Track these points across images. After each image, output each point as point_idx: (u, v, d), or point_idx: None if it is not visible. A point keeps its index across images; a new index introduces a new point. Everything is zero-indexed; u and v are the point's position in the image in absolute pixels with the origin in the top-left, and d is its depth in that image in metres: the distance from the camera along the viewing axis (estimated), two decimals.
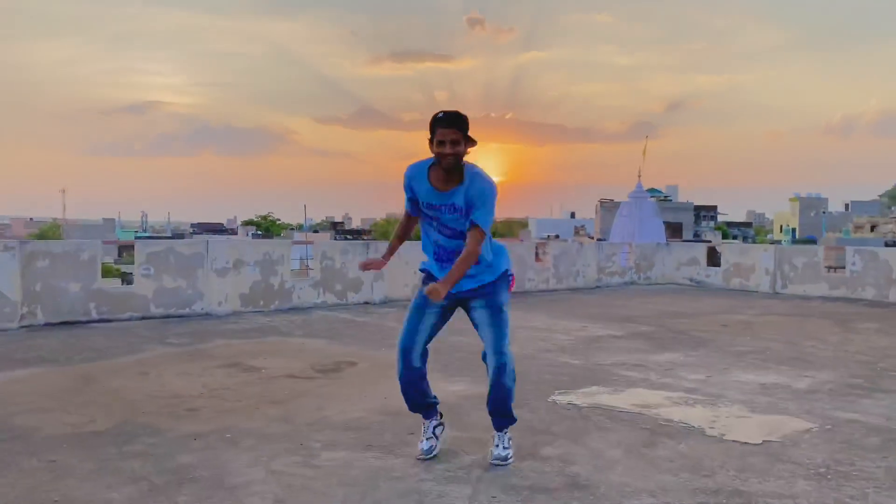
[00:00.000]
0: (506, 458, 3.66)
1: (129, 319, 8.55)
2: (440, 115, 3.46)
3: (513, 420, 3.78)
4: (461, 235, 3.55)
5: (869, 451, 3.97)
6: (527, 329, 8.37)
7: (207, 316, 9.01)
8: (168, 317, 8.81)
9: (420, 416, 3.86)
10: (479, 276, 3.64)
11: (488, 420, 4.38)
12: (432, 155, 3.50)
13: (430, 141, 3.46)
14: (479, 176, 3.52)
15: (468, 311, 3.72)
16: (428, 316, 3.67)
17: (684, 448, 3.97)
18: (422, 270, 3.81)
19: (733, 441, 4.11)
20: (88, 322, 8.28)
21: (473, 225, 3.48)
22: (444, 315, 3.73)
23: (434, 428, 3.81)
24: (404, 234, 3.91)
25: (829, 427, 4.43)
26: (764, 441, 4.12)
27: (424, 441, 3.77)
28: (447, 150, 3.42)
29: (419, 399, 3.78)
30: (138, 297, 8.74)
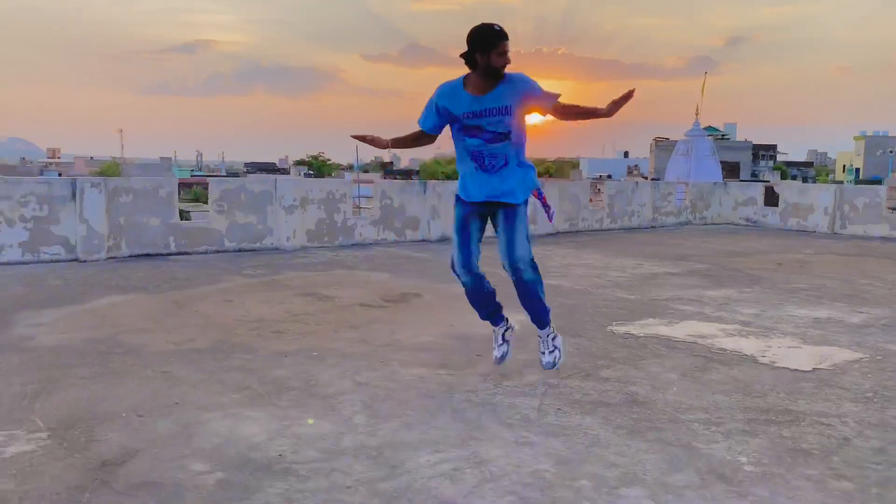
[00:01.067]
0: (554, 363, 4.03)
1: (205, 252, 9.10)
2: (497, 27, 3.63)
3: (547, 313, 4.05)
4: (505, 137, 3.72)
5: None
6: (582, 266, 8.62)
7: (276, 250, 9.50)
8: (240, 251, 9.33)
9: (489, 324, 4.19)
10: (515, 192, 3.82)
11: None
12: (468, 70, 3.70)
13: (481, 53, 3.59)
14: (512, 75, 3.71)
15: (494, 223, 3.93)
16: (472, 229, 3.91)
17: (737, 373, 4.24)
18: (457, 197, 3.99)
19: (784, 368, 4.35)
20: (168, 254, 8.85)
21: (554, 100, 3.74)
22: (483, 223, 3.96)
23: (503, 332, 4.15)
24: (412, 143, 4.02)
25: (879, 357, 4.62)
26: (814, 368, 4.35)
27: (497, 348, 4.14)
28: (504, 61, 3.62)
29: (489, 304, 4.08)
30: (213, 232, 9.26)
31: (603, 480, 2.77)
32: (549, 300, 4.04)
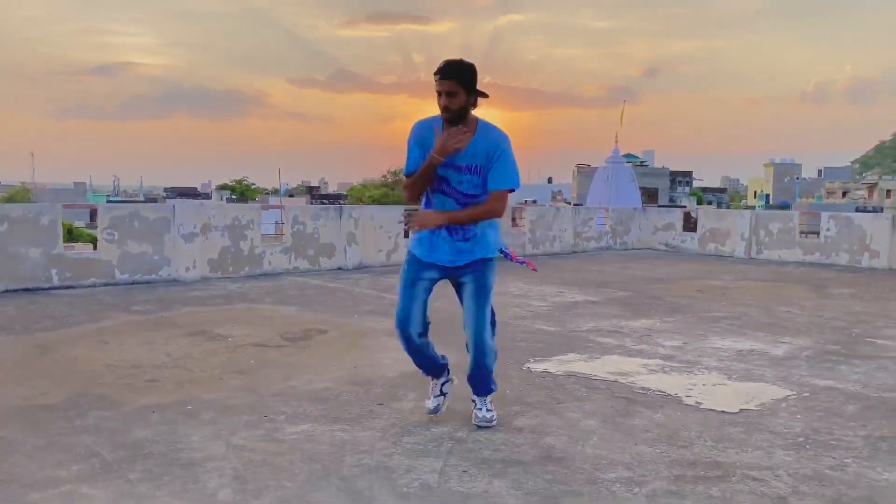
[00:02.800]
0: (490, 420, 3.64)
1: (93, 286, 8.28)
2: (442, 64, 3.30)
3: (493, 390, 3.75)
4: (470, 202, 3.44)
5: (847, 419, 3.90)
6: (503, 295, 8.24)
7: (174, 282, 8.75)
8: (134, 283, 8.54)
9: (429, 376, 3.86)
10: (475, 250, 3.54)
11: (460, 389, 4.26)
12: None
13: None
14: (490, 127, 3.40)
15: (456, 286, 3.63)
16: (419, 290, 3.58)
17: (661, 418, 3.87)
18: (411, 251, 3.67)
19: (710, 410, 4.02)
20: (50, 289, 8.00)
21: (501, 191, 3.41)
22: (432, 288, 3.64)
23: (442, 385, 3.81)
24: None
25: (806, 394, 4.36)
26: (741, 409, 4.03)
27: (432, 399, 3.80)
28: (441, 101, 3.29)
29: (430, 365, 3.76)
30: (102, 263, 8.45)
31: None
32: (463, 333, 3.62)
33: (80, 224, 37.25)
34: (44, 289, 7.97)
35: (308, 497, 2.81)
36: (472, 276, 3.55)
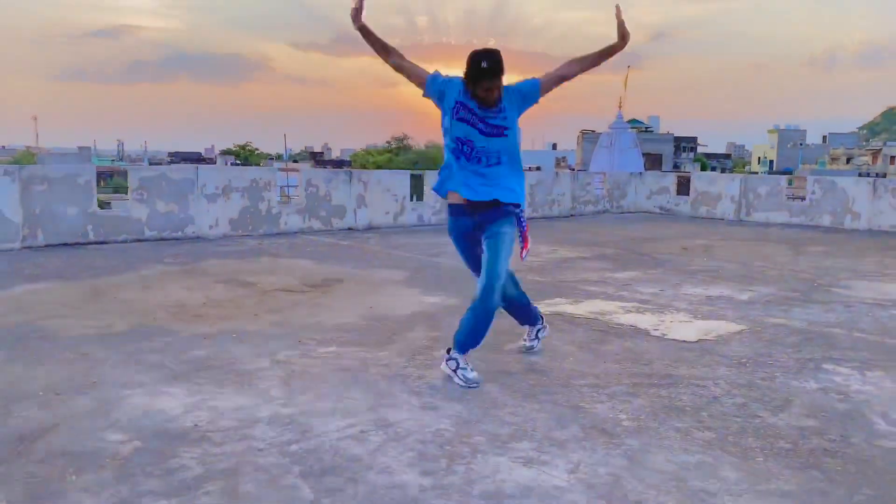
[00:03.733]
0: (478, 381, 3.73)
1: (125, 241, 9.02)
2: (484, 64, 3.48)
3: (478, 343, 3.88)
4: (503, 133, 3.66)
5: (786, 346, 4.64)
6: None
7: (199, 239, 9.49)
8: (161, 240, 9.28)
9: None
10: (515, 191, 3.77)
11: (457, 321, 5.02)
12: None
13: (471, 80, 3.54)
14: (507, 88, 3.69)
15: (480, 238, 3.82)
16: (470, 247, 3.92)
17: (629, 345, 4.62)
18: (444, 198, 3.87)
19: (672, 339, 4.76)
20: (86, 244, 8.74)
21: (543, 78, 3.76)
22: (477, 238, 3.85)
23: (538, 331, 4.38)
24: (382, 48, 3.85)
25: (758, 329, 5.10)
26: (699, 339, 4.77)
27: (528, 340, 4.39)
28: (493, 95, 3.58)
29: (523, 315, 4.32)
30: (133, 221, 9.18)
31: (496, 437, 3.06)
32: (465, 284, 4.24)
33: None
34: (81, 243, 8.71)
35: (342, 393, 3.57)
36: (492, 225, 3.75)
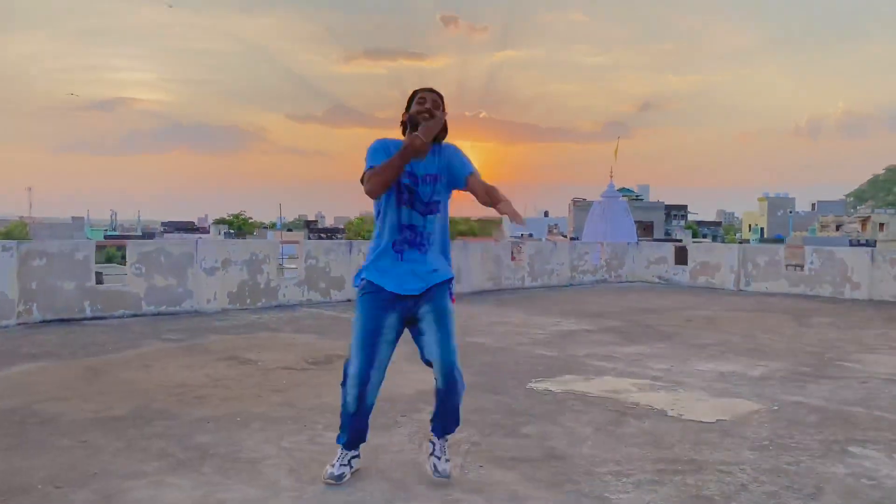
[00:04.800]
0: (448, 474, 3.45)
1: (122, 317, 8.88)
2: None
3: (455, 429, 3.60)
4: (435, 210, 3.41)
5: (807, 426, 4.51)
6: (504, 324, 8.87)
7: (197, 313, 9.36)
8: (159, 314, 9.15)
9: (340, 447, 3.54)
10: (442, 270, 3.47)
11: (472, 403, 4.88)
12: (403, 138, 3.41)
13: (407, 111, 3.42)
14: (439, 146, 3.44)
15: (415, 322, 3.42)
16: (384, 343, 3.39)
17: (647, 426, 4.48)
18: (363, 280, 3.45)
19: (690, 420, 4.63)
20: (83, 319, 8.60)
21: (471, 175, 3.37)
22: (396, 338, 3.45)
23: (352, 459, 3.53)
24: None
25: (775, 408, 4.97)
26: (717, 420, 4.64)
27: (338, 466, 3.46)
28: (427, 105, 3.33)
29: (360, 433, 3.53)
30: (131, 295, 9.07)
31: None
32: (472, 358, 4.15)
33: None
34: (77, 319, 8.57)
35: (355, 484, 3.41)
36: (431, 303, 3.39)
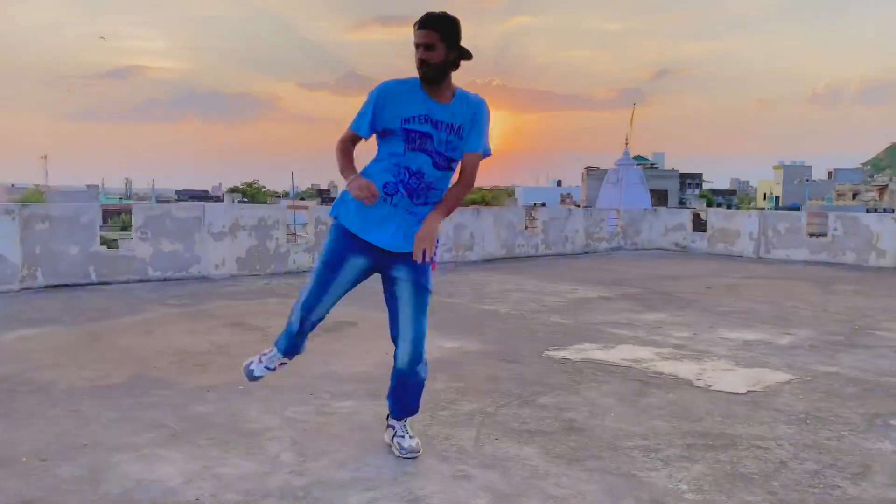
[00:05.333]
0: (417, 449, 3.21)
1: (127, 282, 8.68)
2: (422, 15, 2.98)
3: (417, 410, 3.34)
4: (447, 165, 3.04)
5: (845, 399, 4.23)
6: (518, 292, 8.59)
7: (205, 279, 9.14)
8: (166, 280, 8.94)
9: (275, 351, 3.51)
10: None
11: (486, 372, 4.63)
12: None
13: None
14: (467, 94, 3.06)
15: (390, 280, 3.13)
16: (341, 281, 3.15)
17: (673, 397, 4.21)
18: (339, 226, 3.13)
19: (719, 391, 4.35)
20: (87, 284, 8.40)
21: (474, 155, 3.04)
22: (359, 280, 3.18)
23: (281, 365, 3.49)
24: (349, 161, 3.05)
25: (808, 379, 4.68)
26: (748, 391, 4.36)
27: (262, 368, 3.47)
28: (418, 54, 2.92)
29: (299, 348, 3.46)
30: (136, 261, 8.85)
31: None
32: (485, 325, 3.90)
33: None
34: (81, 284, 8.37)
35: (362, 459, 3.17)
36: (413, 273, 3.07)
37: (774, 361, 5.15)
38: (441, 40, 2.92)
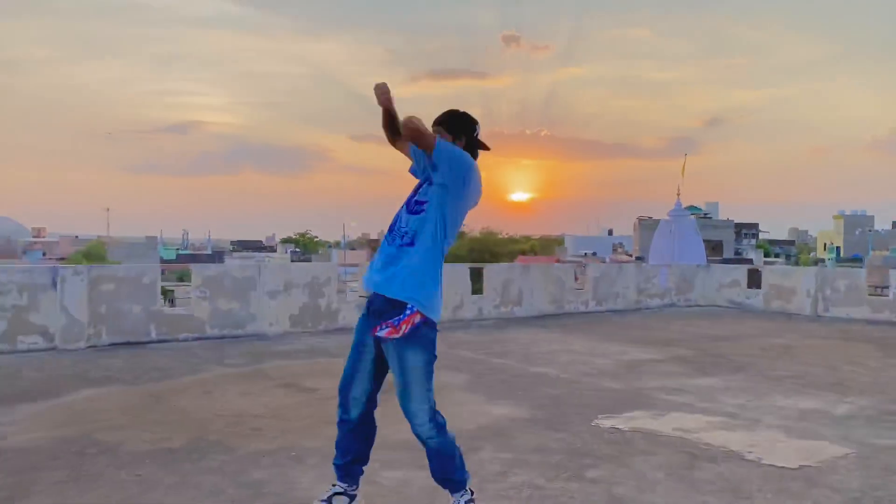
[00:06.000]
0: None
1: (186, 340, 8.99)
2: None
3: (462, 483, 3.34)
4: (419, 210, 3.21)
5: None
6: (567, 353, 8.59)
7: (259, 336, 9.41)
8: (223, 337, 9.23)
9: (335, 476, 3.49)
10: (392, 282, 3.13)
11: (534, 441, 4.66)
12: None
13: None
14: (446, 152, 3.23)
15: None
16: (366, 356, 3.30)
17: (724, 471, 4.17)
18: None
19: (771, 465, 4.29)
20: (149, 342, 8.73)
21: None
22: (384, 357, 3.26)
23: (334, 496, 3.44)
24: (392, 129, 3.38)
25: (865, 454, 4.57)
26: (801, 466, 4.29)
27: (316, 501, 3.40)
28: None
29: (350, 454, 3.43)
30: (195, 319, 9.18)
31: None
32: (535, 390, 3.89)
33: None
34: (142, 342, 8.71)
35: None
36: (392, 340, 3.13)
37: (829, 433, 5.04)
38: (447, 132, 3.31)
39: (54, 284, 8.24)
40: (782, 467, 4.26)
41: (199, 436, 4.76)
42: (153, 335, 8.84)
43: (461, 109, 3.43)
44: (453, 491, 3.35)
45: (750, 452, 4.55)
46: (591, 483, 3.95)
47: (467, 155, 3.27)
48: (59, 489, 3.74)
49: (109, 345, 8.50)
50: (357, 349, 3.31)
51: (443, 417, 3.32)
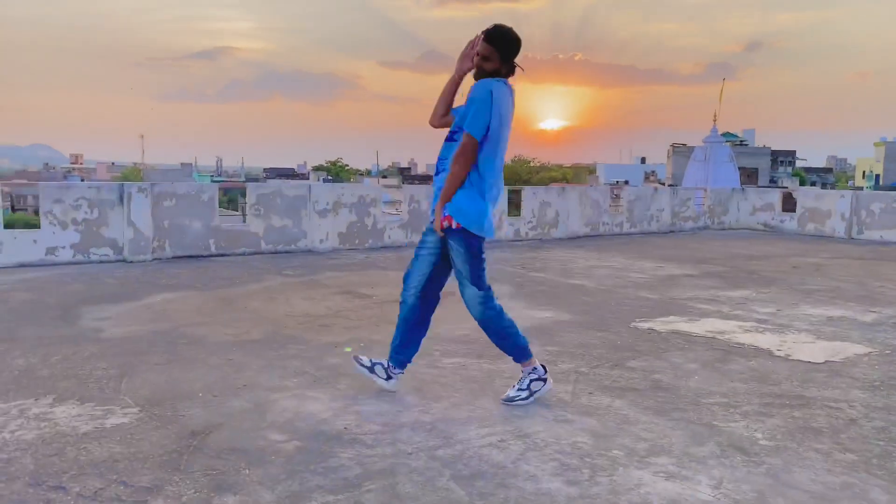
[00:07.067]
0: (512, 398, 3.70)
1: (243, 254, 9.54)
2: (490, 26, 3.59)
3: (522, 351, 3.80)
4: (455, 138, 3.64)
5: None
6: (604, 268, 8.97)
7: (310, 252, 9.93)
8: (276, 252, 9.76)
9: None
10: (452, 204, 3.63)
11: (577, 338, 5.09)
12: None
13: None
14: (476, 85, 3.56)
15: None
16: (423, 256, 3.79)
17: (754, 364, 4.58)
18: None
19: (798, 360, 4.69)
20: (209, 256, 9.30)
21: (465, 133, 3.51)
22: (437, 255, 3.76)
23: (389, 374, 3.89)
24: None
25: (888, 352, 4.94)
26: (826, 361, 4.68)
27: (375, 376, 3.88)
28: (476, 61, 3.59)
29: (408, 342, 3.92)
30: (251, 235, 9.71)
31: (634, 451, 3.14)
32: (573, 298, 4.25)
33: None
34: (203, 256, 9.28)
35: (473, 402, 3.73)
36: (451, 241, 3.67)
37: (855, 335, 5.40)
38: (497, 54, 3.55)
39: (121, 200, 8.78)
40: (808, 362, 4.65)
41: (275, 330, 5.28)
42: (212, 249, 9.39)
43: (507, 26, 3.60)
44: (517, 359, 3.82)
45: (779, 350, 4.94)
46: (632, 370, 4.39)
47: (478, 88, 3.52)
48: (161, 369, 4.28)
49: (173, 257, 9.07)
50: (418, 249, 3.84)
51: (496, 305, 3.81)
